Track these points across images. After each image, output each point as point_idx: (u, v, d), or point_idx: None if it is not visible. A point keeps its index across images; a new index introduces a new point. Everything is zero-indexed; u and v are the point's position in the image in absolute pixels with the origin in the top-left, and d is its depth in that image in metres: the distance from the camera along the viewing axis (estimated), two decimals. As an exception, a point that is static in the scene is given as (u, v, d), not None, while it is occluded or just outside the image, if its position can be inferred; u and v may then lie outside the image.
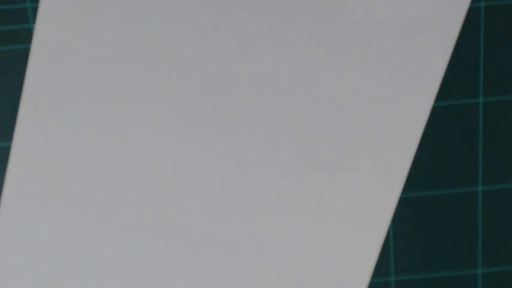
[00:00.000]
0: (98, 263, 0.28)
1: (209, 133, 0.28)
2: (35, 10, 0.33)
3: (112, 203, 0.28)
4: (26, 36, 0.33)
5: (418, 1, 0.27)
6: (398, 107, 0.27)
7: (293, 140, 0.28)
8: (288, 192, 0.28)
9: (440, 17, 0.27)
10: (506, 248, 0.37)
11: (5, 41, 0.33)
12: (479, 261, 0.37)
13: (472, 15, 0.34)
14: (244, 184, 0.28)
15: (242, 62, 0.27)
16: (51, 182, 0.27)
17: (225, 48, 0.27)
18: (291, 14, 0.27)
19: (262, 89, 0.27)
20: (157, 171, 0.28)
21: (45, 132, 0.27)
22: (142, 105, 0.27)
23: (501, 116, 0.35)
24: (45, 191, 0.27)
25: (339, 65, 0.27)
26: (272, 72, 0.27)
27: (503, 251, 0.37)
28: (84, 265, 0.28)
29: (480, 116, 0.35)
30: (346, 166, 0.28)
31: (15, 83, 0.33)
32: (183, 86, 0.27)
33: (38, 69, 0.27)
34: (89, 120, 0.27)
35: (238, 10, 0.27)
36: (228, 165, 0.28)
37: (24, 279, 0.28)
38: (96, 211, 0.28)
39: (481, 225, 0.36)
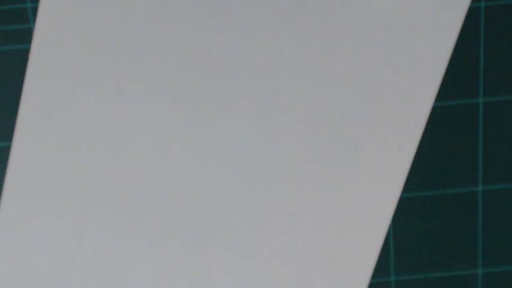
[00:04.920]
0: (98, 263, 0.28)
1: (211, 132, 0.28)
2: (35, 10, 0.33)
3: (112, 202, 0.28)
4: (26, 36, 0.33)
5: (418, 1, 0.27)
6: (398, 107, 0.27)
7: (293, 140, 0.28)
8: (287, 192, 0.28)
9: (440, 17, 0.27)
10: (506, 248, 0.37)
11: (5, 41, 0.33)
12: (479, 261, 0.37)
13: (472, 15, 0.34)
14: (244, 183, 0.28)
15: (243, 60, 0.27)
16: (51, 182, 0.27)
17: (226, 46, 0.27)
18: (291, 13, 0.27)
19: (262, 88, 0.27)
20: (157, 170, 0.28)
21: (45, 132, 0.27)
22: (143, 105, 0.27)
23: (501, 116, 0.35)
24: (45, 191, 0.27)
25: (338, 64, 0.27)
26: (272, 71, 0.27)
27: (503, 251, 0.37)
28: (84, 265, 0.28)
29: (480, 116, 0.35)
30: (346, 166, 0.28)
31: (15, 83, 0.33)
32: (184, 85, 0.27)
33: (38, 69, 0.27)
34: (89, 120, 0.27)
35: (239, 8, 0.27)
36: (228, 163, 0.28)
37: (24, 279, 0.28)
38: (96, 211, 0.28)
39: (481, 225, 0.36)
